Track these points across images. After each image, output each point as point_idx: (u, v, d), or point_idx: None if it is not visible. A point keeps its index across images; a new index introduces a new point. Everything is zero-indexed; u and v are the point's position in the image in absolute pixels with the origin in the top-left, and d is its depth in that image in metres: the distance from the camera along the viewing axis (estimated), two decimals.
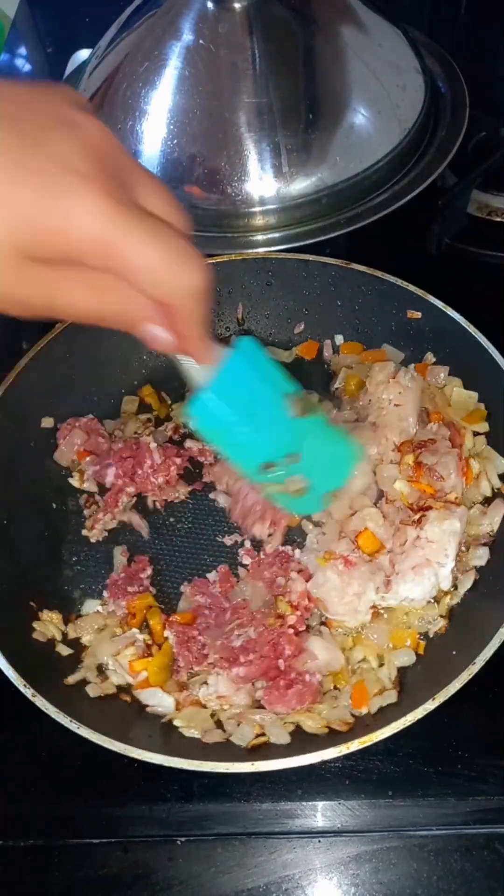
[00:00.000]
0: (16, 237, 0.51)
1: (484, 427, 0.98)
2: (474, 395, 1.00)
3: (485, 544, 0.91)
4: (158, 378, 1.13)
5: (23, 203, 0.50)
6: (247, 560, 0.96)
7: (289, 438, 0.78)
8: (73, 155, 0.51)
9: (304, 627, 0.88)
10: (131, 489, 1.02)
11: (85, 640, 0.91)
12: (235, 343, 0.75)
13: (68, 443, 1.04)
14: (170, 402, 1.12)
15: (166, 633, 0.89)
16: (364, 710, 0.81)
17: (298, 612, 0.88)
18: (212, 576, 0.94)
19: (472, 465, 0.96)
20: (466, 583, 0.89)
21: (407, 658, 0.85)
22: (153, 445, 1.02)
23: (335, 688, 0.85)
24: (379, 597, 0.88)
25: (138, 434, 1.07)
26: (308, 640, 0.86)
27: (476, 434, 0.99)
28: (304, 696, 0.81)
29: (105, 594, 0.95)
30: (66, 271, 0.54)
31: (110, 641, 0.89)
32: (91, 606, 0.94)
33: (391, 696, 0.81)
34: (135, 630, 0.90)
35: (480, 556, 0.90)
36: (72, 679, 0.85)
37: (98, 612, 0.94)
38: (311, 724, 0.80)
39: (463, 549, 0.91)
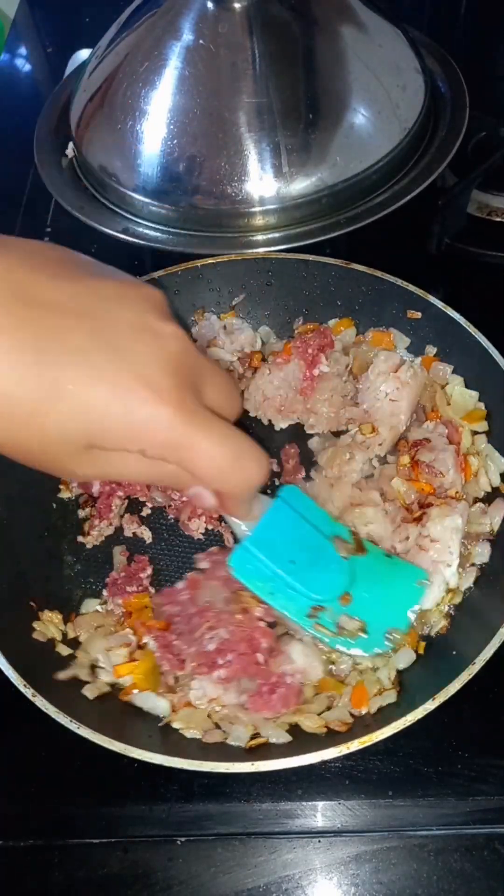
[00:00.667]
0: (86, 433, 0.54)
1: (483, 426, 0.98)
2: (475, 394, 1.00)
3: (486, 541, 0.91)
4: None
5: (96, 406, 0.53)
6: (204, 564, 0.93)
7: (337, 580, 0.80)
8: (151, 367, 0.55)
9: (272, 619, 0.86)
10: (120, 493, 1.01)
11: (82, 638, 0.91)
12: (278, 492, 0.77)
13: None
14: None
15: (146, 638, 0.88)
16: (364, 710, 0.81)
17: (264, 604, 0.87)
18: (180, 584, 0.92)
19: (470, 462, 0.96)
20: (468, 580, 0.89)
21: (406, 659, 0.85)
22: None
23: (317, 694, 0.84)
24: None
25: None
26: (288, 644, 0.85)
27: (475, 433, 0.99)
28: (288, 699, 0.81)
29: (105, 593, 0.95)
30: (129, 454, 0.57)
31: (103, 639, 0.89)
32: (90, 605, 0.94)
33: (391, 696, 0.81)
34: (129, 630, 0.90)
35: (482, 553, 0.90)
36: (63, 675, 0.85)
37: (97, 611, 0.94)
38: (310, 724, 0.80)
39: (463, 548, 0.91)
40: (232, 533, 0.76)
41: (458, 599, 0.89)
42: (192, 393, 0.57)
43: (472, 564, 0.90)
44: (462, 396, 1.01)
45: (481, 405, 1.00)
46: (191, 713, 0.82)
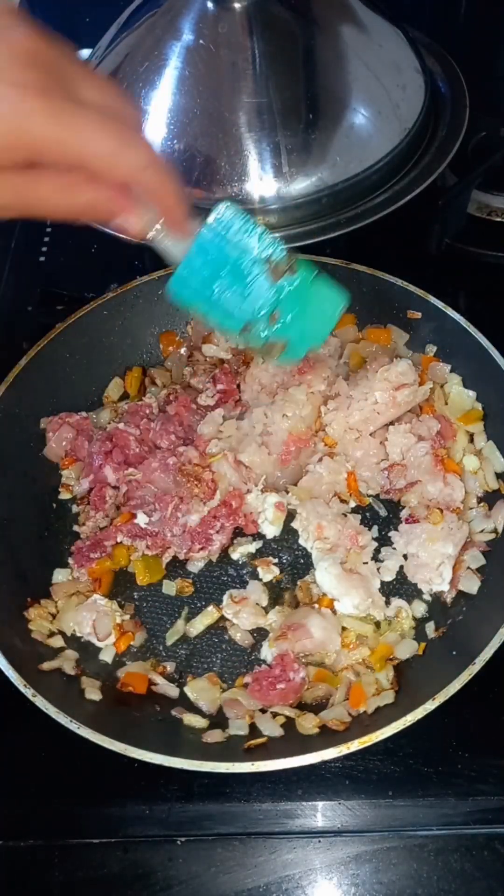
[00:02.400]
0: None
1: (479, 427, 0.98)
2: (472, 394, 1.00)
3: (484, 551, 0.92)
4: None
5: None
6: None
7: (268, 299, 0.79)
8: (5, 66, 0.55)
9: (210, 467, 0.95)
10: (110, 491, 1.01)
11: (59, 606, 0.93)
12: (214, 209, 0.76)
13: (57, 438, 1.03)
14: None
15: (119, 537, 0.96)
16: (362, 710, 0.81)
17: (206, 467, 0.93)
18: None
19: (465, 463, 0.97)
20: (472, 586, 0.89)
21: (409, 649, 0.86)
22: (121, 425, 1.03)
23: (310, 687, 0.85)
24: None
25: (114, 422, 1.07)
26: (308, 617, 0.86)
27: (474, 433, 0.99)
28: (287, 694, 0.82)
29: (70, 561, 0.96)
30: (35, 174, 0.59)
31: (74, 610, 0.90)
32: (60, 576, 0.95)
33: (389, 697, 0.81)
34: (96, 596, 0.92)
35: (476, 558, 0.91)
36: (47, 666, 0.85)
37: (69, 580, 0.95)
38: (305, 724, 0.80)
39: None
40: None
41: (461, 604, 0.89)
42: (59, 87, 0.58)
43: (470, 568, 0.90)
44: (460, 396, 1.01)
45: (479, 405, 1.00)
46: (203, 687, 0.84)
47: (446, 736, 0.82)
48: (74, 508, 1.02)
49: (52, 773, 0.83)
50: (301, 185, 1.09)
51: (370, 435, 0.99)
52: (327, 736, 0.79)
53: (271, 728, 0.80)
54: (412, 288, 1.03)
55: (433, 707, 0.74)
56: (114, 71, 1.17)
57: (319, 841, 0.79)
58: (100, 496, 1.00)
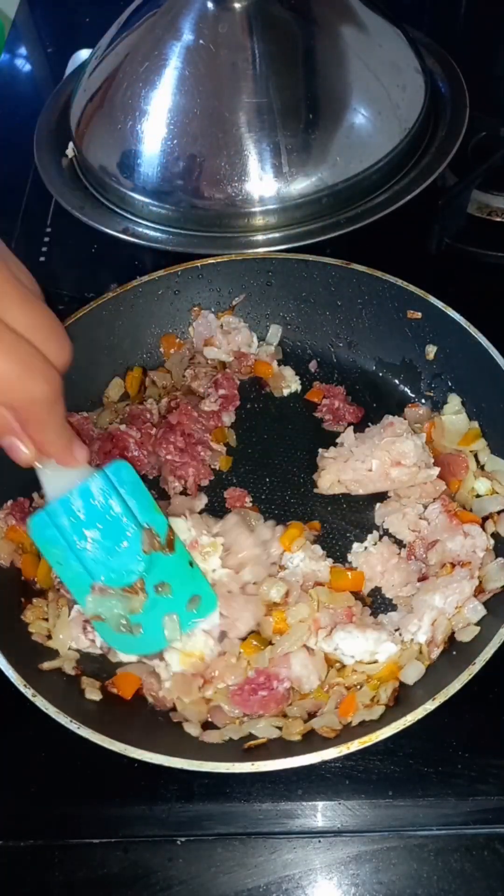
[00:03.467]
0: None
1: (481, 444, 0.98)
2: (463, 416, 1.00)
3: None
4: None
5: None
6: None
7: (130, 570, 0.79)
8: None
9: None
10: None
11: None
12: (108, 466, 0.77)
13: None
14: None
15: None
16: (349, 719, 0.79)
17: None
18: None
19: (470, 515, 0.93)
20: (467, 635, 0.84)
21: (416, 673, 0.82)
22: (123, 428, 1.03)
23: (300, 700, 0.83)
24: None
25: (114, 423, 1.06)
26: (293, 654, 0.83)
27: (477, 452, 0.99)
28: (267, 703, 0.81)
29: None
30: None
31: (66, 627, 0.87)
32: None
33: (376, 713, 0.78)
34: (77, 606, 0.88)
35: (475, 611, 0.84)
36: (47, 665, 0.84)
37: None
38: (290, 731, 0.79)
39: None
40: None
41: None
42: None
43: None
44: (452, 423, 1.00)
45: (475, 424, 0.99)
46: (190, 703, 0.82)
47: (446, 736, 0.82)
48: None
49: (52, 773, 0.83)
50: (301, 185, 1.10)
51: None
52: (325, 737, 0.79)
53: (266, 731, 0.80)
54: (412, 288, 1.03)
55: (433, 707, 0.74)
56: (114, 71, 1.17)
57: (319, 841, 0.79)
58: None
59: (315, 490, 1.00)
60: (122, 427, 1.03)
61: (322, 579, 0.91)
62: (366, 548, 0.95)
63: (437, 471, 0.96)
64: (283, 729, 0.80)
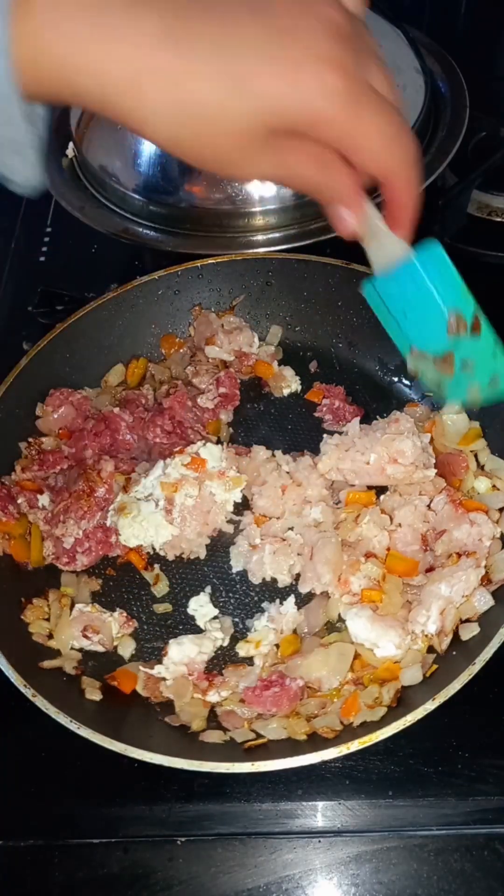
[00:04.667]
0: (265, 120, 0.56)
1: (481, 444, 0.98)
2: (463, 415, 0.99)
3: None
4: None
5: (276, 91, 0.55)
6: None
7: (442, 346, 0.80)
8: (320, 40, 0.56)
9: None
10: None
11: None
12: (425, 243, 0.78)
13: (57, 415, 1.03)
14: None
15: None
16: (350, 720, 0.79)
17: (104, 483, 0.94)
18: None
19: (477, 486, 0.95)
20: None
21: (413, 677, 0.81)
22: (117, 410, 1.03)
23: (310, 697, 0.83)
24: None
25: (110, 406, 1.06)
26: (314, 650, 0.84)
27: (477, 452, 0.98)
28: (280, 700, 0.81)
29: None
30: (298, 146, 0.58)
31: (68, 626, 0.88)
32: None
33: (377, 714, 0.78)
34: (79, 605, 0.90)
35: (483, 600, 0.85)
36: (47, 665, 0.85)
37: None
38: (294, 729, 0.79)
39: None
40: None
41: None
42: (356, 67, 0.59)
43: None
44: (452, 423, 0.99)
45: (475, 424, 0.99)
46: (188, 704, 0.83)
47: (446, 736, 0.82)
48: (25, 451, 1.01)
49: (52, 773, 0.83)
50: None
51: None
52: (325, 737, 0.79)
53: (275, 732, 0.79)
54: None
55: (433, 707, 0.74)
56: None
57: (319, 841, 0.79)
58: (52, 460, 1.00)
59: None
60: (116, 410, 1.03)
61: (377, 551, 0.91)
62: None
63: (433, 472, 0.95)
64: (289, 728, 0.80)
